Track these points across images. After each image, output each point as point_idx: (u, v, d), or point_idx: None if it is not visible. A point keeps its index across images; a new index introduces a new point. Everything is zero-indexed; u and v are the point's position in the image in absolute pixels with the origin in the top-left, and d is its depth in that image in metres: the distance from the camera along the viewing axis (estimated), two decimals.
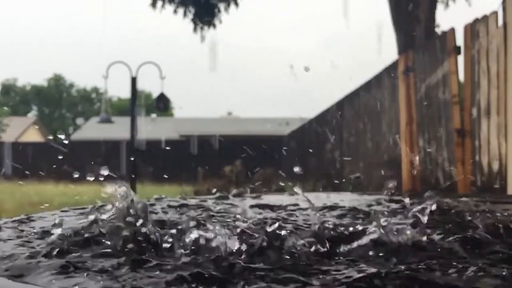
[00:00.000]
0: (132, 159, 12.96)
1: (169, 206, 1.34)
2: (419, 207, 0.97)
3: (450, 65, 5.82)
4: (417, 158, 6.79)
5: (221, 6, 13.69)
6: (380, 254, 0.81)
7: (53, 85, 57.55)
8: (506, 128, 4.75)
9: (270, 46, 79.54)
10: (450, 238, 0.89)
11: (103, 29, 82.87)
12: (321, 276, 0.69)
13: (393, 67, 7.77)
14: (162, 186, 13.50)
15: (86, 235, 0.89)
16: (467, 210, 1.22)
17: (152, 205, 1.28)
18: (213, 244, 0.81)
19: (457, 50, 5.72)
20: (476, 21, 5.28)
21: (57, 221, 0.92)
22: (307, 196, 1.03)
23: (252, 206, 1.37)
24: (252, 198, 1.60)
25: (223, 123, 32.81)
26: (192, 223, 0.90)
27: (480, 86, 5.19)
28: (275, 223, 0.87)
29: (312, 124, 14.92)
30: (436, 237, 0.90)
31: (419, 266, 0.72)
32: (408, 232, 0.88)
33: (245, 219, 0.98)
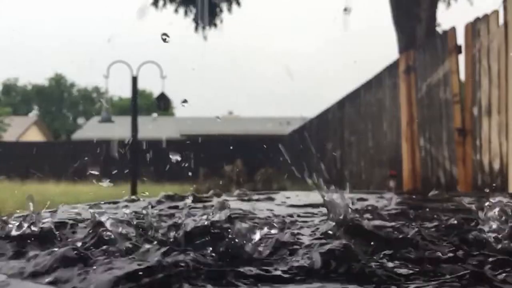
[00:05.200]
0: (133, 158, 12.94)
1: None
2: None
3: (451, 64, 5.82)
4: (417, 158, 6.80)
5: (223, 6, 13.69)
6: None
7: (54, 84, 57.57)
8: (507, 127, 4.74)
9: (271, 46, 79.53)
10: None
11: (104, 28, 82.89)
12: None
13: (394, 66, 7.77)
14: (163, 186, 13.49)
15: None
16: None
17: None
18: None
19: (458, 49, 5.72)
20: (477, 20, 5.28)
21: None
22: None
23: None
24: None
25: (224, 123, 32.81)
26: None
27: (481, 85, 5.19)
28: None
29: (313, 124, 14.93)
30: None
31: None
32: None
33: None
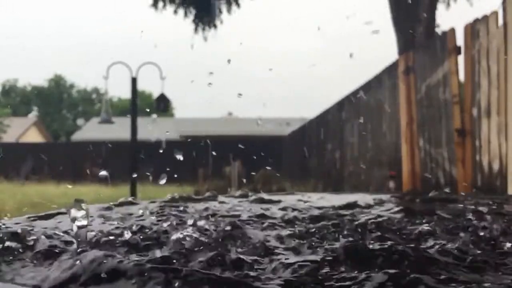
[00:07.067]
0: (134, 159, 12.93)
1: None
2: None
3: (451, 65, 5.83)
4: (417, 158, 6.80)
5: (223, 7, 13.70)
6: None
7: (54, 85, 57.55)
8: (506, 128, 4.75)
9: (271, 46, 79.58)
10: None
11: (103, 29, 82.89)
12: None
13: (393, 67, 7.78)
14: (162, 187, 13.46)
15: None
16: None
17: None
18: None
19: (458, 50, 5.73)
20: (476, 21, 5.29)
21: None
22: None
23: None
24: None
25: (223, 123, 32.81)
26: None
27: (481, 86, 5.19)
28: None
29: (313, 124, 14.93)
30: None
31: None
32: None
33: None
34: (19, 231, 0.91)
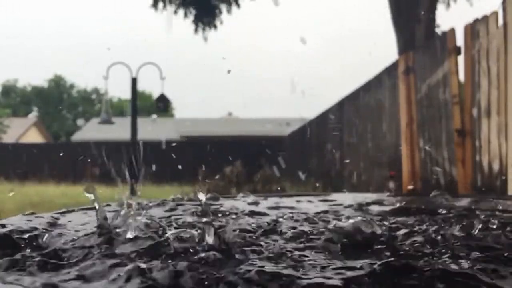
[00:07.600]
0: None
1: None
2: None
3: (451, 65, 5.83)
4: (417, 158, 6.80)
5: (223, 7, 13.71)
6: None
7: (54, 86, 57.56)
8: (506, 128, 4.75)
9: (271, 46, 79.60)
10: None
11: (103, 29, 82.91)
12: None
13: (393, 67, 7.78)
14: (162, 187, 13.49)
15: None
16: None
17: None
18: None
19: (458, 50, 5.73)
20: (476, 21, 5.29)
21: None
22: None
23: None
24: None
25: (224, 124, 32.82)
26: None
27: (481, 86, 5.19)
28: None
29: (313, 124, 14.94)
30: None
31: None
32: None
33: None
34: (24, 231, 0.91)
